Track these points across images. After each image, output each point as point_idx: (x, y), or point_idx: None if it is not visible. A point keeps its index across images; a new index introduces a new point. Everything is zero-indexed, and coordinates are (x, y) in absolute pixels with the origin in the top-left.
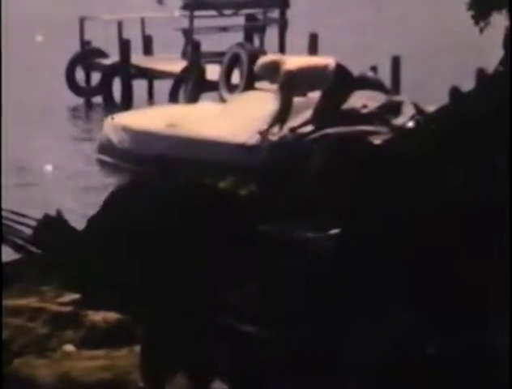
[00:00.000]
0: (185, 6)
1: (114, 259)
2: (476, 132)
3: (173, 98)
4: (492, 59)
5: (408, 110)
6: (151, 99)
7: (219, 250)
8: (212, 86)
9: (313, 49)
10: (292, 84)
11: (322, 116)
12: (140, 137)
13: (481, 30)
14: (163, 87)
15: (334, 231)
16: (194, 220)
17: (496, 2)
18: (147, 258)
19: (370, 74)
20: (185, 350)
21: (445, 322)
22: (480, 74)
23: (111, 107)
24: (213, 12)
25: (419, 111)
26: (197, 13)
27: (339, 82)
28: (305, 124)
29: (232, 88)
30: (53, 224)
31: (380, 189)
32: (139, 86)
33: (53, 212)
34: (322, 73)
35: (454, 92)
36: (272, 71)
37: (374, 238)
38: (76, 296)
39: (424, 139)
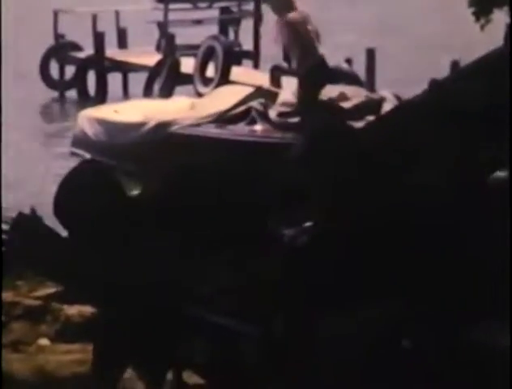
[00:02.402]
0: None
1: (86, 253)
2: (454, 123)
3: (148, 91)
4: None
5: (389, 107)
6: (125, 92)
7: (191, 241)
8: (187, 79)
9: None
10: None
11: (301, 104)
12: (116, 128)
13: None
14: (137, 80)
15: (309, 223)
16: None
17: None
18: (114, 250)
19: (345, 66)
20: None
21: (421, 316)
22: (455, 66)
23: (85, 100)
24: (187, 5)
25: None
26: (171, 6)
27: (316, 69)
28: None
29: (206, 81)
30: (28, 222)
31: (357, 180)
32: (114, 79)
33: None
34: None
35: (433, 84)
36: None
37: (350, 231)
38: (51, 290)
39: (400, 129)
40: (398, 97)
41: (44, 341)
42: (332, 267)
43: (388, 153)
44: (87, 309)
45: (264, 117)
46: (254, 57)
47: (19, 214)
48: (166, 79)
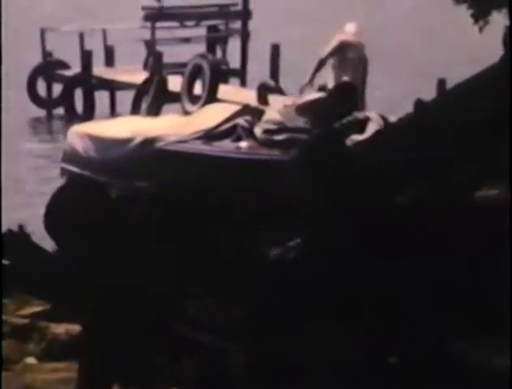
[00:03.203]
0: (146, 17)
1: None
2: (436, 143)
3: (135, 109)
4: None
5: (373, 127)
6: (113, 110)
7: (178, 261)
8: (174, 97)
9: (275, 59)
10: None
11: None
12: (104, 144)
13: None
14: (125, 98)
15: (295, 241)
16: (149, 229)
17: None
18: (102, 266)
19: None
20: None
21: (407, 332)
22: (441, 85)
23: (73, 118)
24: (175, 23)
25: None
26: (159, 24)
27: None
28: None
29: (194, 99)
30: (16, 239)
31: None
32: (101, 97)
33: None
34: None
35: (418, 104)
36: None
37: (337, 247)
38: (37, 308)
39: (385, 149)
40: (383, 118)
41: (31, 360)
42: (319, 284)
43: (377, 171)
44: (75, 328)
45: (250, 134)
46: (241, 75)
47: (7, 231)
48: (153, 97)
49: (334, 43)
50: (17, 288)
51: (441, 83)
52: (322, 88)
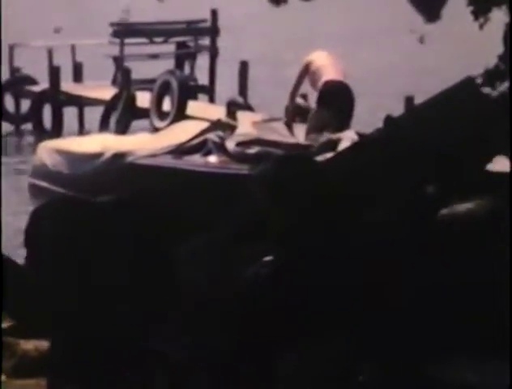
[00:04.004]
0: (115, 33)
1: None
2: (405, 160)
3: (104, 125)
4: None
5: (344, 145)
6: (81, 126)
7: (146, 277)
8: (143, 113)
9: (243, 76)
10: None
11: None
12: (74, 159)
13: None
14: (93, 114)
15: (268, 258)
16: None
17: None
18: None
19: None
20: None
21: (377, 348)
22: (409, 102)
23: (41, 134)
24: (144, 39)
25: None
26: (127, 40)
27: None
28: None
29: (163, 116)
30: None
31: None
32: (70, 113)
33: None
34: None
35: (387, 120)
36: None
37: (308, 264)
38: (6, 324)
39: (356, 164)
40: (361, 135)
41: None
42: (291, 301)
43: (346, 187)
44: (44, 344)
45: (221, 148)
46: (210, 91)
47: None
48: (122, 113)
49: (303, 65)
50: None
51: (409, 100)
52: (303, 96)
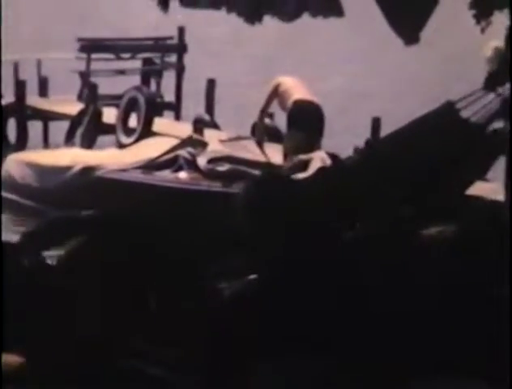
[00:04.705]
0: (81, 49)
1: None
2: (384, 182)
3: (69, 140)
4: None
5: (315, 165)
6: (46, 140)
7: (129, 291)
8: (109, 129)
9: (210, 94)
10: None
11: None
12: (42, 172)
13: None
14: (58, 128)
15: (250, 277)
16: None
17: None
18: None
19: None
20: None
21: (358, 365)
22: (376, 123)
23: (5, 148)
24: (110, 55)
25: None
26: (94, 55)
27: None
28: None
29: (129, 132)
30: None
31: (296, 229)
32: (34, 127)
33: None
34: None
35: (368, 142)
36: None
37: (291, 282)
38: None
39: (334, 183)
40: (334, 156)
41: None
42: (276, 318)
43: (325, 206)
44: (13, 359)
45: (192, 164)
46: (176, 108)
47: None
48: (88, 128)
49: (270, 89)
50: None
51: (376, 121)
52: (269, 115)
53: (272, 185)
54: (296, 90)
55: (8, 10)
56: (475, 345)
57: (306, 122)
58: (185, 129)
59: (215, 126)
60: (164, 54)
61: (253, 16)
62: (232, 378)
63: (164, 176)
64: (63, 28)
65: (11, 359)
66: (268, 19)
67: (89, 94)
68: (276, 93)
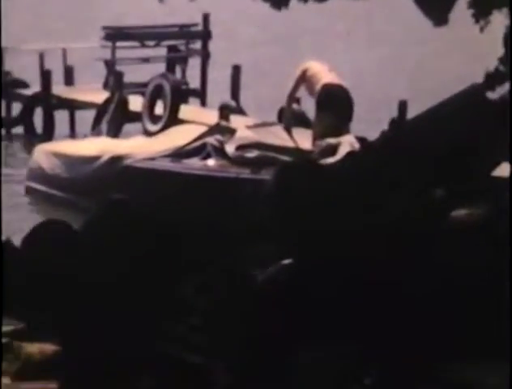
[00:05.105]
0: (106, 37)
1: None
2: (412, 164)
3: (96, 128)
4: None
5: (344, 150)
6: (72, 130)
7: (163, 279)
8: (135, 116)
9: (236, 80)
10: None
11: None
12: (71, 162)
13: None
14: (85, 117)
15: (284, 262)
16: (133, 250)
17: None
18: (88, 288)
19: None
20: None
21: (385, 353)
22: (402, 106)
23: (32, 137)
24: (135, 43)
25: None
26: (119, 44)
27: None
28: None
29: (155, 119)
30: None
31: (327, 215)
32: (61, 116)
33: None
34: None
35: (393, 123)
36: None
37: (323, 268)
38: (9, 327)
39: (364, 166)
40: (363, 140)
41: (4, 380)
42: (308, 303)
43: (354, 190)
44: (48, 347)
45: (220, 152)
46: (201, 95)
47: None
48: (114, 116)
49: (297, 74)
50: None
51: (402, 104)
52: (296, 100)
53: (302, 171)
54: (324, 74)
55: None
56: (507, 330)
57: (335, 106)
58: (211, 115)
59: (241, 111)
60: (188, 41)
61: (279, 1)
62: (269, 366)
63: (193, 164)
64: (88, 17)
65: (47, 348)
66: (295, 3)
67: (115, 82)
68: (304, 78)
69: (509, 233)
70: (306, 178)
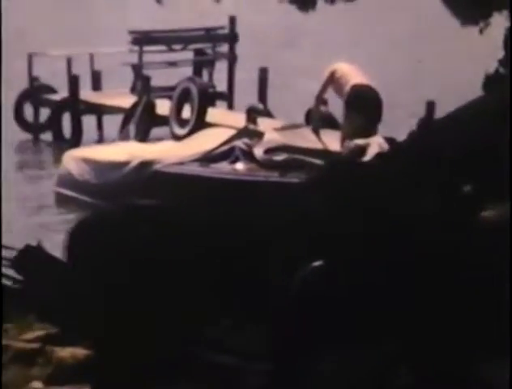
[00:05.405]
0: (134, 41)
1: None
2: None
3: (123, 133)
4: None
5: (373, 151)
6: (100, 134)
7: (195, 283)
8: (162, 120)
9: (263, 83)
10: None
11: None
12: (100, 168)
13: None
14: (112, 122)
15: (318, 263)
16: (163, 252)
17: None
18: (122, 293)
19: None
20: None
21: (423, 351)
22: (430, 107)
23: (60, 143)
24: (162, 47)
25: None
26: (146, 48)
27: None
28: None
29: (183, 123)
30: (34, 255)
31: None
32: (88, 121)
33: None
34: None
35: (421, 123)
36: None
37: (359, 268)
38: (40, 332)
39: (393, 167)
40: (391, 140)
41: (37, 384)
42: (344, 304)
43: (385, 192)
44: (80, 352)
45: (248, 155)
46: (229, 98)
47: (26, 245)
48: (141, 120)
49: (326, 75)
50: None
51: (430, 105)
52: (323, 102)
53: (339, 171)
54: (353, 75)
55: (60, 8)
56: None
57: (364, 107)
58: (238, 118)
59: (268, 114)
60: (215, 44)
61: (306, 3)
62: (299, 366)
63: (221, 168)
64: (114, 22)
65: (79, 352)
66: (322, 5)
67: (142, 86)
68: (332, 79)
69: None
70: (354, 173)
